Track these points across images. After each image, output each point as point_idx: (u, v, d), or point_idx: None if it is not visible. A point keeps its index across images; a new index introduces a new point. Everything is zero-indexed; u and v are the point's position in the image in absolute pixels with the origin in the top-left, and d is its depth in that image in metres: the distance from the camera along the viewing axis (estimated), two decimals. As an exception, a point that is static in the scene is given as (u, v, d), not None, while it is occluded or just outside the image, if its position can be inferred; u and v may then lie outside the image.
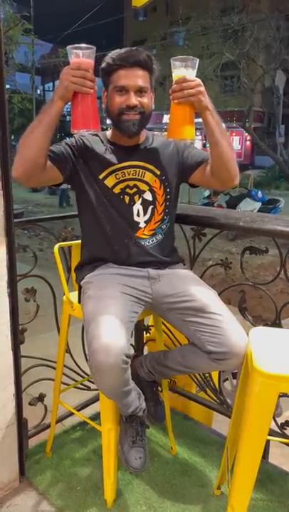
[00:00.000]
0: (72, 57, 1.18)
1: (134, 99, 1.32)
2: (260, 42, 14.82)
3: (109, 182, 1.39)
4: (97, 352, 1.13)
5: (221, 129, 1.30)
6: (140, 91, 1.33)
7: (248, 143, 25.55)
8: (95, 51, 1.18)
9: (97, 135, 1.45)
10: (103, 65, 1.35)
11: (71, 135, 1.36)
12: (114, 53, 1.33)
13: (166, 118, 27.38)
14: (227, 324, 1.26)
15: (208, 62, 15.61)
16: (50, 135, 1.23)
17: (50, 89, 30.02)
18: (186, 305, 1.32)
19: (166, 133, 1.36)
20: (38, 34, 14.10)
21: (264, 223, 1.50)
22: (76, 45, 1.18)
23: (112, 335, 1.15)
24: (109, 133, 1.47)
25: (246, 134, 21.93)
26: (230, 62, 15.09)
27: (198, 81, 1.22)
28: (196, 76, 1.25)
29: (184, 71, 1.23)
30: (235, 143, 26.92)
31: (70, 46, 1.17)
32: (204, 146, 27.42)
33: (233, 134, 26.48)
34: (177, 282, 1.39)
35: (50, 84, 29.80)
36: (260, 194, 9.84)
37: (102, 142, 1.43)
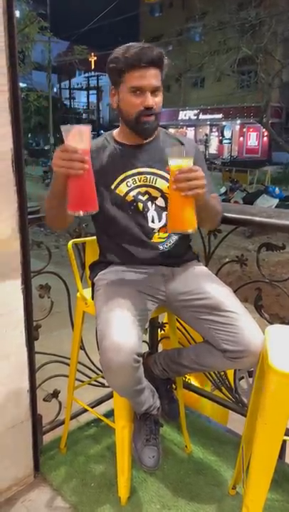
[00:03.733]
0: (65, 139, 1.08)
1: (151, 101, 1.28)
2: (278, 36, 14.63)
3: (121, 190, 1.36)
4: (107, 351, 1.13)
5: (211, 204, 1.29)
6: (154, 91, 1.30)
7: (265, 139, 25.26)
8: (88, 130, 1.09)
9: (105, 138, 1.42)
10: (114, 64, 1.29)
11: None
12: (125, 51, 1.27)
13: (181, 114, 27.29)
14: (242, 322, 1.23)
15: (224, 57, 15.49)
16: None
17: (67, 87, 30.23)
18: (201, 303, 1.31)
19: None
20: (54, 32, 14.21)
21: (280, 219, 1.47)
22: (67, 126, 1.07)
23: (123, 333, 1.14)
24: (116, 132, 1.43)
25: (263, 130, 21.68)
26: (247, 57, 14.93)
27: (202, 171, 1.14)
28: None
29: (186, 161, 1.15)
30: (252, 139, 26.67)
31: (62, 127, 1.09)
32: (221, 142, 27.25)
33: (250, 130, 26.25)
34: (191, 279, 1.38)
35: (67, 82, 29.98)
36: (277, 190, 9.71)
37: (109, 145, 1.39)
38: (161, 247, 1.38)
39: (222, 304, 1.27)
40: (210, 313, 1.27)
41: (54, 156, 1.09)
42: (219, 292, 1.32)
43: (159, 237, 1.38)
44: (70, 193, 1.11)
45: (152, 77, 1.28)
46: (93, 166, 1.33)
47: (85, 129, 1.09)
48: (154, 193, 1.37)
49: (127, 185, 1.36)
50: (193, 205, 1.16)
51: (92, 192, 1.11)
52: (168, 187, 1.20)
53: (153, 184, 1.37)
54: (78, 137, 1.08)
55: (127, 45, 1.29)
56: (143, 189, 1.37)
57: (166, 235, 1.39)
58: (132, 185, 1.36)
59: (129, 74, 1.28)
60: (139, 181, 1.36)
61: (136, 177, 1.36)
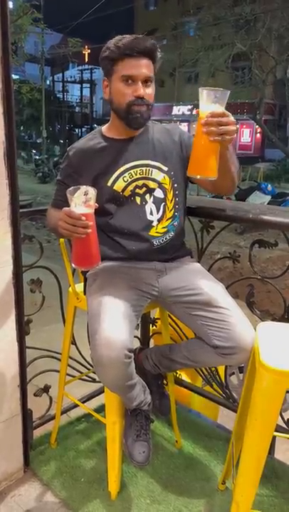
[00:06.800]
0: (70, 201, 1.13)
1: (142, 90, 1.28)
2: (273, 32, 14.57)
3: (118, 186, 1.34)
4: (99, 346, 1.13)
5: (233, 159, 1.28)
6: (146, 81, 1.29)
7: (258, 135, 25.29)
8: (93, 194, 1.13)
9: (94, 135, 1.40)
10: (106, 53, 1.29)
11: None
12: (118, 41, 1.27)
13: (175, 109, 27.19)
14: (234, 319, 1.24)
15: (219, 53, 15.43)
16: None
17: (60, 79, 29.95)
18: (193, 298, 1.30)
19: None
20: (47, 24, 14.04)
21: (274, 216, 1.47)
22: (73, 188, 1.11)
23: (115, 329, 1.15)
24: (105, 128, 1.42)
25: (257, 127, 21.71)
26: (241, 53, 14.86)
27: (233, 119, 1.13)
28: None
29: (219, 106, 1.12)
30: (245, 135, 26.67)
31: (68, 190, 1.11)
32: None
33: (244, 126, 26.24)
34: (184, 275, 1.37)
35: (60, 74, 29.69)
36: (269, 187, 9.74)
37: (99, 143, 1.38)
38: (156, 242, 1.37)
39: (214, 300, 1.27)
40: (202, 309, 1.27)
41: (59, 217, 1.13)
42: (212, 288, 1.32)
43: (156, 232, 1.37)
44: (73, 249, 1.18)
45: (144, 67, 1.27)
46: (87, 172, 1.34)
47: (91, 191, 1.13)
48: (152, 184, 1.36)
49: (124, 180, 1.34)
50: (218, 152, 1.15)
51: (94, 249, 1.17)
52: (195, 130, 1.19)
53: (150, 176, 1.36)
54: (83, 200, 1.12)
55: (120, 36, 1.29)
56: (140, 182, 1.35)
57: (164, 230, 1.38)
58: (129, 180, 1.34)
59: (121, 63, 1.27)
60: (136, 175, 1.35)
61: (132, 171, 1.35)
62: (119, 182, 1.34)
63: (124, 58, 1.26)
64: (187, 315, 1.32)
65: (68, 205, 1.15)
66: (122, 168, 1.34)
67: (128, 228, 1.35)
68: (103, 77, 1.35)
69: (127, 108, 1.29)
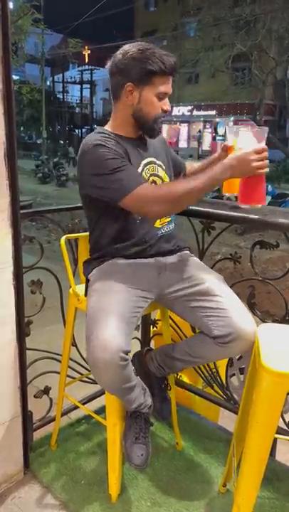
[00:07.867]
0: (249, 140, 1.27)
1: (169, 105, 1.38)
2: (273, 33, 14.61)
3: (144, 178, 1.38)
4: (93, 348, 1.14)
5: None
6: None
7: (258, 136, 25.26)
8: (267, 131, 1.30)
9: (104, 133, 1.37)
10: (146, 65, 1.28)
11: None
12: (158, 56, 1.28)
13: (175, 110, 27.20)
14: (231, 306, 1.26)
15: (219, 53, 15.47)
16: None
17: (60, 80, 29.95)
18: (192, 290, 1.33)
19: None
20: (48, 24, 14.06)
21: (275, 217, 1.46)
22: (234, 132, 1.30)
23: (110, 331, 1.15)
24: (110, 128, 1.41)
25: (257, 127, 21.69)
26: (241, 54, 14.91)
27: None
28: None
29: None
30: (245, 136, 26.60)
31: (243, 128, 1.29)
32: (214, 139, 27.22)
33: (244, 127, 26.20)
34: (184, 268, 1.41)
35: (60, 75, 29.70)
36: (270, 188, 9.76)
37: (115, 138, 1.35)
38: (160, 232, 1.40)
39: (212, 289, 1.31)
40: (201, 299, 1.30)
41: (249, 158, 1.23)
42: (210, 278, 1.35)
43: (161, 223, 1.41)
44: (247, 189, 1.31)
45: (171, 84, 1.38)
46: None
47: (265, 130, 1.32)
48: (158, 181, 1.42)
49: (145, 175, 1.38)
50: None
51: (265, 187, 1.31)
52: None
53: (157, 173, 1.42)
54: (250, 137, 1.27)
55: (150, 46, 1.32)
56: (151, 178, 1.41)
57: (168, 219, 1.42)
58: (145, 177, 1.37)
59: (160, 79, 1.31)
60: (150, 171, 1.40)
61: (147, 166, 1.40)
62: (144, 175, 1.38)
63: (164, 76, 1.31)
64: (188, 308, 1.34)
65: None
66: (142, 163, 1.39)
67: (138, 224, 1.36)
68: (126, 81, 1.31)
69: (154, 120, 1.36)
